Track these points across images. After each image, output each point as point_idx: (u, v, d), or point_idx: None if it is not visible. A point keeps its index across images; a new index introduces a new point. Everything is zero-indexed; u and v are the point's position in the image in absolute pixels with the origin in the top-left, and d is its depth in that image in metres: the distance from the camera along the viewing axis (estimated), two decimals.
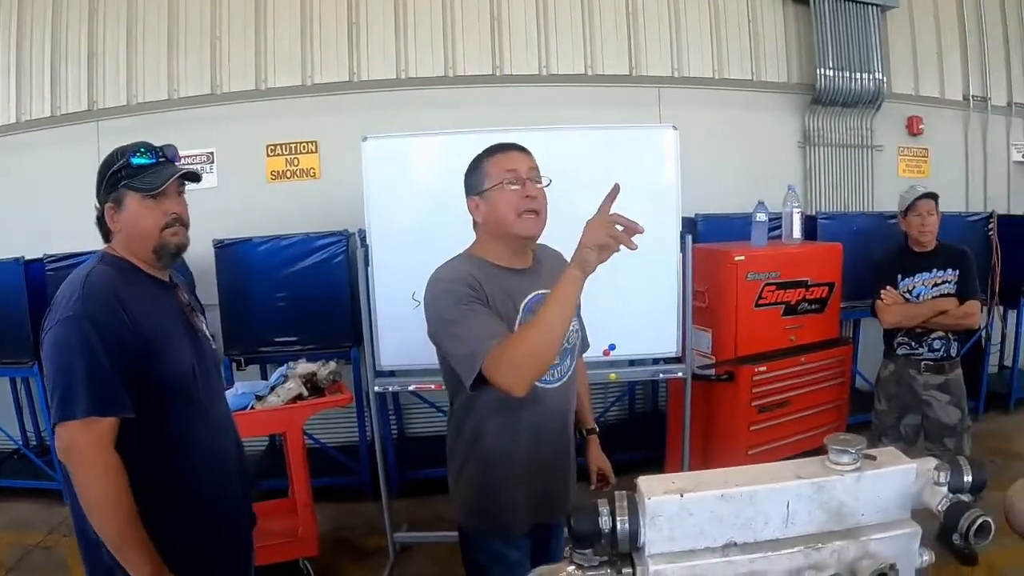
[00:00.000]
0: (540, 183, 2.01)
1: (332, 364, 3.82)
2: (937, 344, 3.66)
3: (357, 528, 4.28)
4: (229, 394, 3.68)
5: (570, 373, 2.12)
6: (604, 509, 1.17)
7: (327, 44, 5.13)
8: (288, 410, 3.59)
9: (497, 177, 1.97)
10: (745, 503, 1.16)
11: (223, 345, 4.56)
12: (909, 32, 6.33)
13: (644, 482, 1.18)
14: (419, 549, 4.01)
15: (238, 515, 2.12)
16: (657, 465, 4.44)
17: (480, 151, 2.07)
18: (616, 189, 1.78)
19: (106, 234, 1.95)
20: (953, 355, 3.68)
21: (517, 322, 1.96)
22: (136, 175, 1.88)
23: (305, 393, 3.66)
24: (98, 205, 1.93)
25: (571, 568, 1.22)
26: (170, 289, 2.02)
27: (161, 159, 1.91)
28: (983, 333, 5.77)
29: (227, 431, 2.11)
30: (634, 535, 1.16)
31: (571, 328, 2.01)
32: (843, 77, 5.80)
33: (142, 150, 1.90)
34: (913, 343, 3.69)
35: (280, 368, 3.83)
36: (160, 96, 5.14)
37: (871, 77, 5.89)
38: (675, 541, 1.16)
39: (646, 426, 5.25)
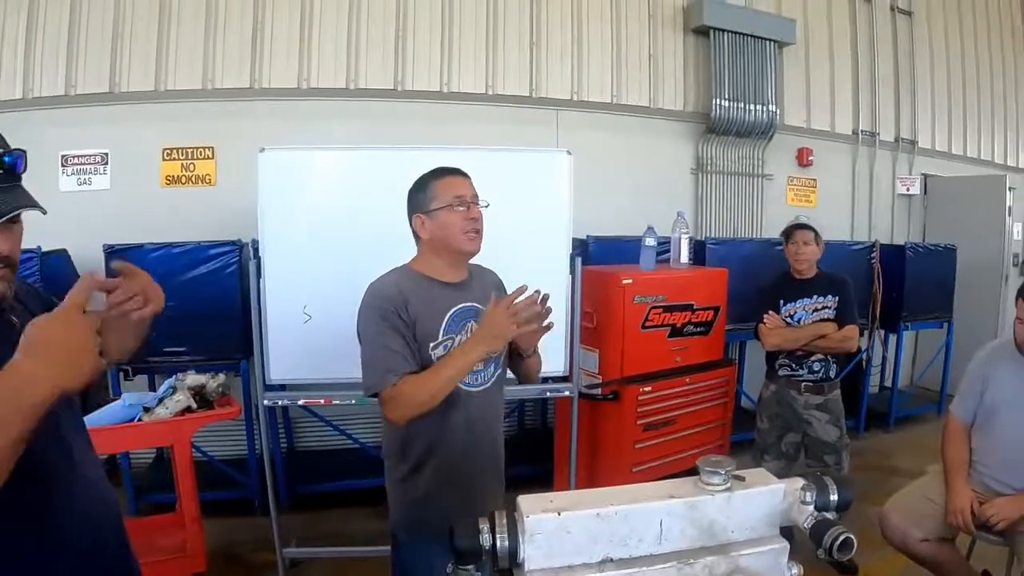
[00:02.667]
0: (480, 206, 2.19)
1: (221, 376, 3.76)
2: (817, 366, 3.81)
3: (247, 543, 4.17)
4: (116, 405, 3.58)
5: (494, 379, 2.26)
6: (484, 526, 1.21)
7: (230, 48, 5.02)
8: (176, 423, 3.51)
9: (445, 199, 2.14)
10: (620, 521, 1.22)
11: None
12: (804, 68, 6.65)
13: (524, 501, 1.23)
14: (310, 564, 3.95)
15: None
16: (546, 480, 4.49)
17: (426, 172, 2.22)
18: (537, 298, 2.08)
19: None
20: (832, 377, 3.84)
21: (441, 328, 2.14)
22: None
23: (194, 405, 3.59)
24: None
25: None
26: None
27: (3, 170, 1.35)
28: (864, 355, 6.05)
29: (97, 493, 1.60)
30: (513, 552, 1.20)
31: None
32: (738, 108, 6.04)
33: None
34: (794, 365, 3.84)
35: (169, 379, 3.74)
36: (57, 91, 4.92)
37: (765, 109, 6.14)
38: (553, 558, 1.21)
39: (535, 442, 5.26)
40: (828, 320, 3.79)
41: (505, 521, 1.22)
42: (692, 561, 1.23)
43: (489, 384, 2.25)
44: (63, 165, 4.92)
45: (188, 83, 5.01)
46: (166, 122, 5.02)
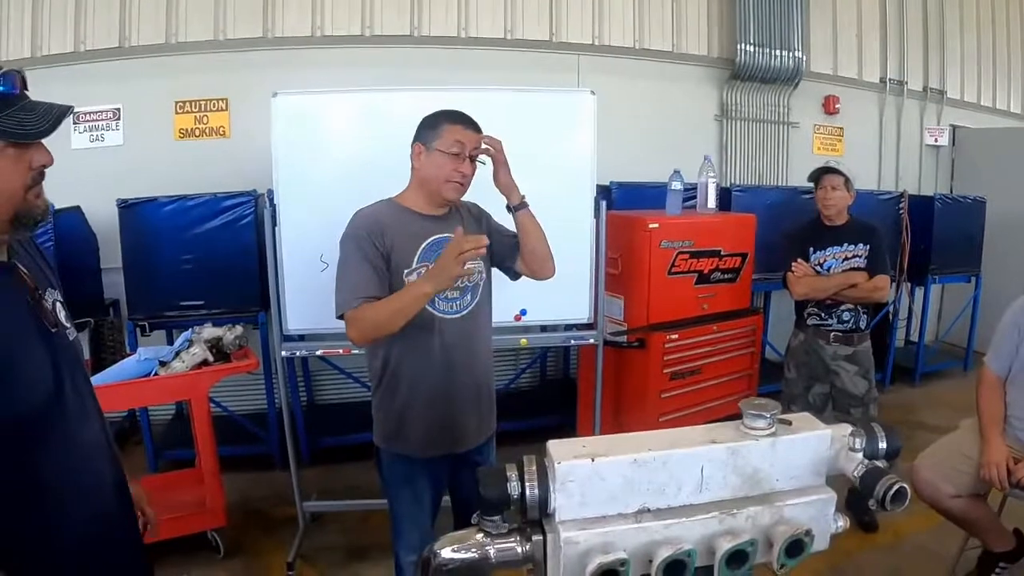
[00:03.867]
0: (476, 162, 2.34)
1: (239, 328, 3.70)
2: (846, 316, 3.72)
3: (267, 498, 4.18)
4: (130, 360, 3.55)
5: (472, 307, 2.39)
6: (512, 474, 1.14)
7: None
8: (193, 376, 3.47)
9: (446, 143, 2.28)
10: (658, 468, 1.14)
11: (127, 310, 4.38)
12: (831, 13, 6.47)
13: (554, 446, 1.15)
14: (330, 518, 3.95)
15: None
16: (568, 431, 4.44)
17: (445, 108, 2.36)
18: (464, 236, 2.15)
19: None
20: (862, 327, 3.75)
21: (416, 256, 2.29)
22: None
23: (211, 359, 3.55)
24: None
25: (479, 536, 1.19)
26: (8, 273, 1.43)
27: (23, 88, 1.40)
28: (891, 308, 5.95)
29: (101, 460, 1.60)
30: (543, 501, 1.13)
31: (475, 269, 2.33)
32: (763, 53, 5.89)
33: (2, 76, 1.35)
34: (823, 314, 3.75)
35: (185, 333, 3.69)
36: (66, 48, 4.86)
37: (791, 55, 5.99)
38: (586, 507, 1.13)
39: (557, 392, 5.24)
40: (858, 269, 3.69)
41: (535, 468, 1.14)
42: (735, 511, 1.15)
43: (465, 312, 2.38)
44: (75, 122, 4.85)
45: (199, 34, 4.94)
46: (178, 75, 4.95)
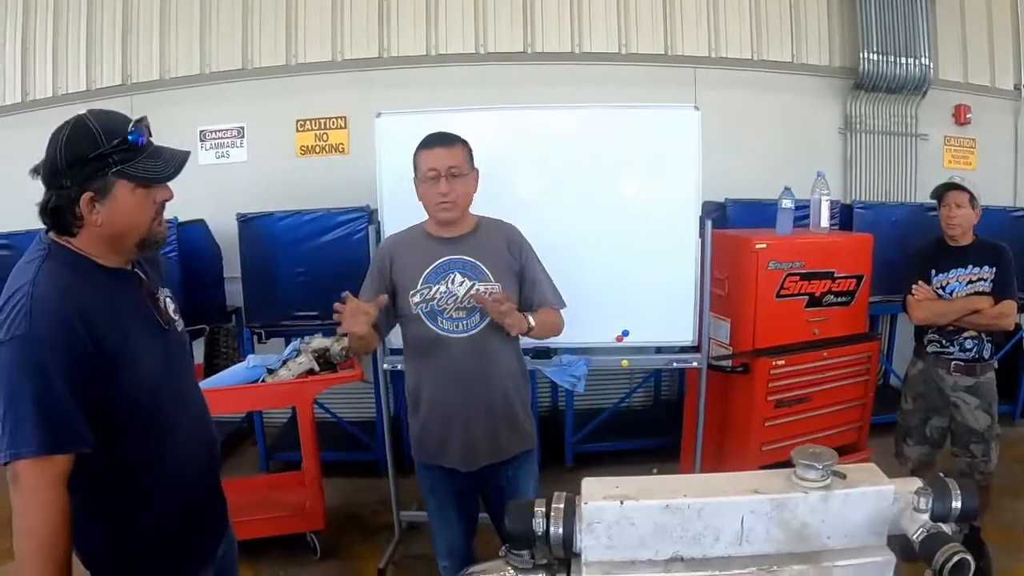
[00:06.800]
0: (459, 175, 2.39)
1: (346, 340, 3.82)
2: (969, 344, 3.48)
3: (368, 504, 4.32)
4: (239, 367, 3.76)
5: (483, 326, 2.43)
6: (539, 510, 1.13)
7: (358, 19, 5.15)
8: (297, 384, 3.65)
9: (422, 173, 2.40)
10: (692, 516, 1.10)
11: (245, 318, 4.60)
12: (959, 16, 6.05)
13: (587, 484, 1.14)
14: (426, 528, 3.97)
15: (206, 533, 1.93)
16: (675, 453, 4.39)
17: (421, 140, 2.46)
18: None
19: (61, 225, 1.60)
20: (986, 357, 3.50)
21: (421, 278, 2.43)
22: (132, 159, 1.58)
23: (316, 368, 3.70)
24: (61, 191, 1.56)
25: (508, 571, 1.19)
26: (129, 278, 1.73)
27: (149, 135, 1.64)
28: (1023, 336, 5.53)
29: (200, 430, 1.89)
30: (568, 540, 1.11)
31: (481, 288, 2.41)
32: (888, 62, 5.59)
33: (135, 127, 1.59)
34: (944, 342, 3.53)
35: (294, 342, 3.86)
36: (192, 71, 5.24)
37: (917, 62, 5.65)
38: (614, 550, 1.11)
39: (670, 413, 5.14)
40: (983, 293, 3.45)
41: (562, 505, 1.12)
42: (776, 568, 1.10)
43: (475, 331, 2.43)
44: (201, 140, 5.24)
45: (318, 56, 5.20)
46: (299, 94, 5.23)
